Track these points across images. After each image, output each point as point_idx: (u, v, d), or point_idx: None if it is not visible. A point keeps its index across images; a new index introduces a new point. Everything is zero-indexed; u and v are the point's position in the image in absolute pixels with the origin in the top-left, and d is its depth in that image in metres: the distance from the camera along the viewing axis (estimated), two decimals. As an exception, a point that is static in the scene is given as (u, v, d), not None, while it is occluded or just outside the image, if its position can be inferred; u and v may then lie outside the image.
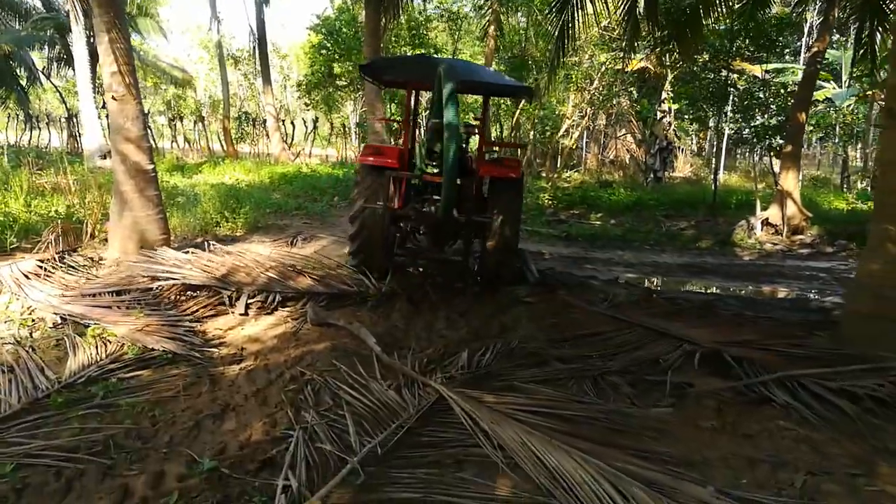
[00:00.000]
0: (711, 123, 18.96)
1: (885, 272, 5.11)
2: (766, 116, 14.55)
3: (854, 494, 3.05)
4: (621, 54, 17.38)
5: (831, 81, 19.56)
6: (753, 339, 5.20)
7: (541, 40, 20.25)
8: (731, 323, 5.98)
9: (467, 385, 4.11)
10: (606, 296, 6.81)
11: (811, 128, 18.57)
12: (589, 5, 8.49)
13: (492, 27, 20.18)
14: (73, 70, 19.97)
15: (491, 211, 6.69)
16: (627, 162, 24.57)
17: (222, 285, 5.85)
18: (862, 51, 10.34)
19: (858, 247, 11.10)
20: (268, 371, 4.38)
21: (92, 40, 17.10)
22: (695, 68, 14.86)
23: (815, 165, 31.13)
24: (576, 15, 8.51)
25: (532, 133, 21.82)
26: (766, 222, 12.48)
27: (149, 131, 7.36)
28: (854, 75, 17.73)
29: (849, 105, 18.76)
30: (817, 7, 19.47)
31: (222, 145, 27.37)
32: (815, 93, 14.96)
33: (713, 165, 20.58)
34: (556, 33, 8.84)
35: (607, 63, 19.00)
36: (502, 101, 20.09)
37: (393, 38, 23.49)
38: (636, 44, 10.74)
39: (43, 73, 28.41)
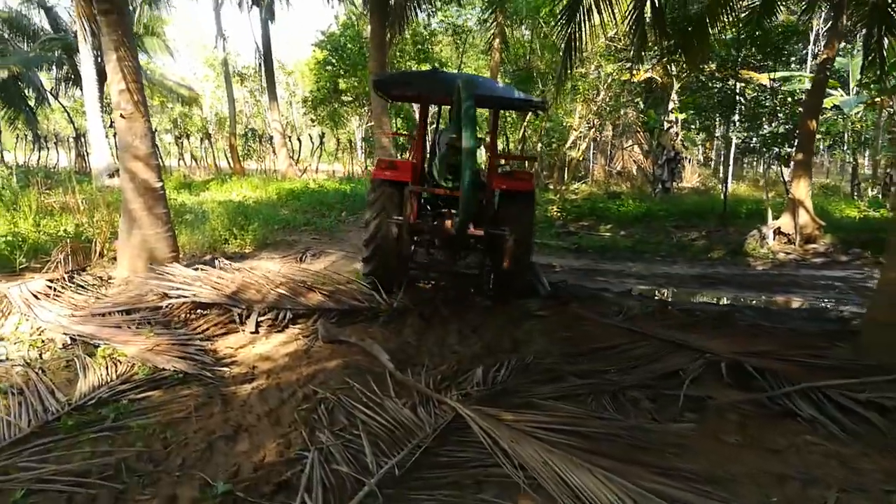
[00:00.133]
0: (718, 133, 18.94)
1: (906, 281, 5.02)
2: (773, 125, 14.47)
3: (890, 512, 2.96)
4: (628, 65, 17.39)
5: (839, 89, 19.46)
6: (773, 349, 5.09)
7: (547, 52, 20.28)
8: (749, 334, 5.87)
9: (483, 402, 4.03)
10: (620, 308, 6.72)
11: (820, 136, 18.46)
12: (596, 16, 8.44)
13: (496, 40, 20.25)
14: (81, 90, 20.09)
15: (503, 224, 6.64)
16: (635, 173, 24.51)
17: (233, 303, 5.79)
18: (870, 57, 10.26)
19: (873, 255, 10.97)
20: (280, 390, 4.30)
21: (100, 60, 17.33)
22: (702, 78, 14.81)
23: (824, 173, 30.96)
24: (583, 26, 8.47)
25: (539, 145, 21.80)
26: (778, 231, 12.35)
27: (156, 149, 7.33)
28: (862, 82, 17.64)
29: (857, 112, 18.66)
30: (823, 15, 19.48)
31: (229, 162, 27.45)
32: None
33: (721, 175, 20.49)
34: (564, 45, 8.80)
35: (614, 74, 18.99)
36: (508, 113, 20.08)
37: (398, 53, 23.58)
38: (643, 54, 10.70)
39: (51, 93, 28.63)
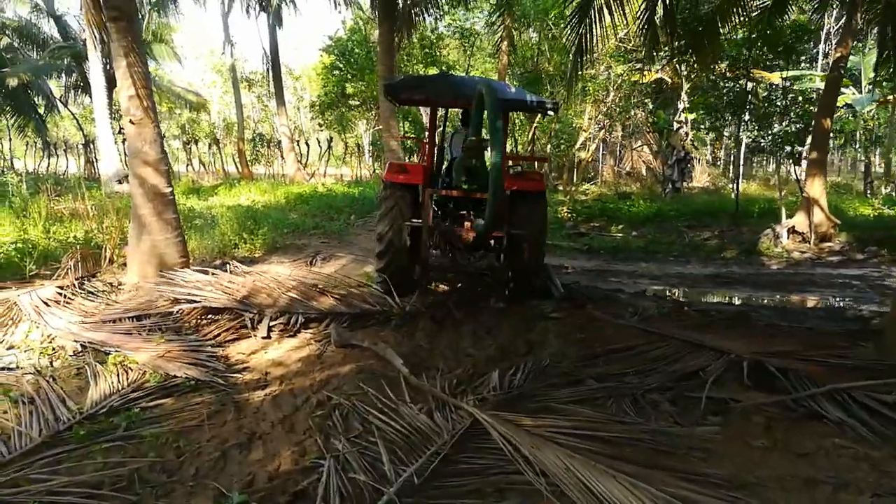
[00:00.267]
0: (727, 133, 18.77)
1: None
2: (784, 124, 14.32)
3: (926, 517, 2.85)
4: (638, 65, 17.27)
5: (851, 87, 19.29)
6: (794, 349, 4.98)
7: (556, 54, 20.17)
8: (767, 333, 5.77)
9: (501, 407, 3.94)
10: (635, 309, 6.65)
11: (833, 134, 18.29)
12: (607, 17, 8.35)
13: (504, 43, 20.17)
14: (90, 97, 20.18)
15: (516, 224, 6.65)
16: (644, 173, 24.36)
17: (244, 307, 5.73)
18: (885, 54, 10.12)
19: (890, 253, 10.82)
20: (294, 396, 4.24)
21: (108, 67, 17.37)
22: (713, 77, 14.68)
23: (835, 172, 30.72)
24: (593, 27, 8.38)
25: (548, 146, 21.70)
26: (792, 230, 12.20)
27: (166, 154, 7.30)
28: (874, 81, 17.46)
29: (869, 111, 18.48)
30: (834, 14, 19.30)
31: (237, 167, 27.48)
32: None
33: (731, 175, 20.31)
34: (574, 47, 8.71)
35: (624, 74, 18.87)
36: (517, 114, 20.00)
37: (405, 57, 23.56)
38: (654, 54, 10.59)
39: (60, 100, 28.77)
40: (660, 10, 8.85)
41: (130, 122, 6.93)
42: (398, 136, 14.67)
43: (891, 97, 18.79)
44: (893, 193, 19.80)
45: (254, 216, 12.07)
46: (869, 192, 21.40)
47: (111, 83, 17.00)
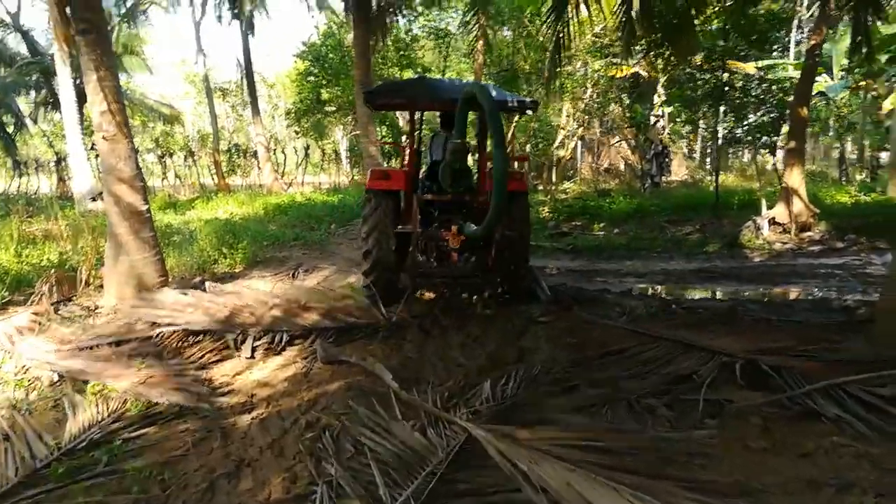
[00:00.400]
0: (702, 124, 18.88)
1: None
2: (759, 114, 14.41)
3: (933, 516, 2.81)
4: (615, 60, 17.29)
5: (823, 74, 19.49)
6: (786, 345, 4.96)
7: (532, 52, 20.14)
8: (756, 329, 5.75)
9: (495, 419, 3.86)
10: (623, 309, 6.61)
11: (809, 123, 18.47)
12: (584, 11, 8.31)
13: (479, 42, 20.13)
14: (60, 113, 19.78)
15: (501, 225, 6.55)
16: (623, 169, 24.43)
17: (226, 328, 5.59)
18: (858, 39, 10.18)
19: (869, 241, 10.89)
20: (281, 418, 4.11)
21: (78, 82, 17.02)
22: (689, 70, 14.72)
23: (810, 160, 31.03)
24: (570, 23, 8.33)
25: (528, 146, 21.69)
26: (772, 221, 12.25)
27: (140, 170, 7.13)
28: (848, 68, 17.64)
29: (843, 97, 18.67)
30: (805, 1, 19.49)
31: (213, 179, 27.16)
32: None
33: (709, 167, 20.41)
34: (552, 44, 8.66)
35: (601, 70, 18.90)
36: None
37: (380, 60, 23.44)
38: (630, 49, 10.58)
39: (29, 117, 28.22)
40: (636, 4, 8.82)
41: (103, 138, 6.75)
42: (376, 142, 14.58)
43: (863, 83, 19.02)
44: (868, 180, 20.04)
45: (232, 230, 11.88)
46: (844, 179, 21.64)
47: (81, 98, 16.67)
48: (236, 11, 24.65)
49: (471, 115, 6.65)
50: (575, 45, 15.14)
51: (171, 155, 29.73)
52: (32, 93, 26.34)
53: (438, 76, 22.84)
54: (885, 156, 21.05)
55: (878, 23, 9.66)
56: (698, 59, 13.94)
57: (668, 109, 19.62)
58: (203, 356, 5.26)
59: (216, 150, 28.21)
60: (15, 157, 28.60)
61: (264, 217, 15.56)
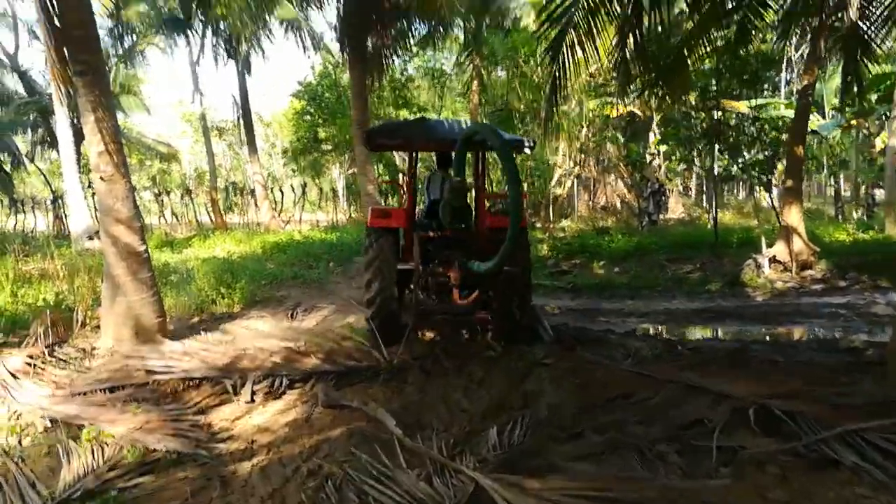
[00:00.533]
0: (697, 163, 19.01)
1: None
2: (753, 152, 14.52)
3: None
4: (610, 99, 17.47)
5: (815, 113, 19.75)
6: (794, 388, 4.88)
7: (527, 91, 20.34)
8: (765, 372, 5.66)
9: (502, 468, 3.75)
10: (627, 350, 6.52)
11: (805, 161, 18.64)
12: (579, 52, 8.39)
13: (474, 82, 20.36)
14: (58, 151, 19.85)
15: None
16: (619, 207, 24.50)
17: (225, 375, 5.47)
18: (849, 78, 10.32)
19: (870, 279, 10.86)
20: (283, 466, 3.99)
21: (76, 121, 17.10)
22: (683, 109, 14.87)
23: (806, 198, 31.26)
24: (567, 63, 8.40)
25: (525, 184, 21.76)
26: (773, 259, 12.21)
27: (138, 210, 7.08)
28: (840, 107, 17.86)
29: (835, 136, 18.87)
30: (795, 42, 19.81)
31: (210, 217, 27.14)
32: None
33: (706, 204, 20.49)
34: (549, 84, 8.74)
35: (595, 109, 19.06)
36: (492, 154, 20.07)
37: (377, 99, 23.66)
38: (626, 88, 10.67)
39: (27, 156, 28.30)
40: (631, 45, 8.92)
41: (101, 178, 6.68)
42: (374, 180, 14.61)
43: (854, 122, 19.25)
44: (864, 218, 20.13)
45: (230, 268, 11.78)
46: (840, 216, 21.74)
47: (79, 137, 16.70)
48: (232, 52, 24.91)
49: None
50: (570, 84, 15.30)
51: (168, 193, 29.77)
52: (30, 132, 26.49)
53: (436, 117, 23.02)
54: (879, 192, 21.19)
55: (867, 63, 9.77)
56: (693, 98, 14.08)
57: (663, 148, 19.76)
58: (201, 400, 5.15)
59: (213, 189, 28.27)
60: (12, 196, 28.59)
61: (262, 255, 15.46)
